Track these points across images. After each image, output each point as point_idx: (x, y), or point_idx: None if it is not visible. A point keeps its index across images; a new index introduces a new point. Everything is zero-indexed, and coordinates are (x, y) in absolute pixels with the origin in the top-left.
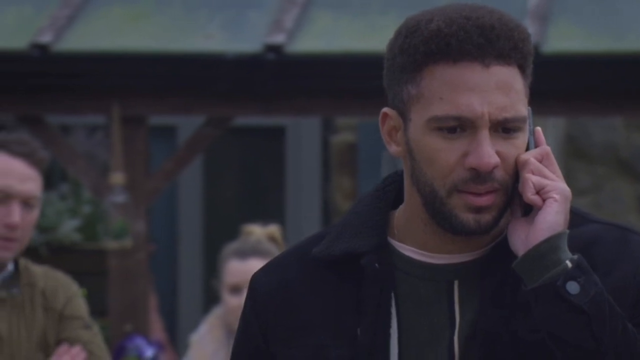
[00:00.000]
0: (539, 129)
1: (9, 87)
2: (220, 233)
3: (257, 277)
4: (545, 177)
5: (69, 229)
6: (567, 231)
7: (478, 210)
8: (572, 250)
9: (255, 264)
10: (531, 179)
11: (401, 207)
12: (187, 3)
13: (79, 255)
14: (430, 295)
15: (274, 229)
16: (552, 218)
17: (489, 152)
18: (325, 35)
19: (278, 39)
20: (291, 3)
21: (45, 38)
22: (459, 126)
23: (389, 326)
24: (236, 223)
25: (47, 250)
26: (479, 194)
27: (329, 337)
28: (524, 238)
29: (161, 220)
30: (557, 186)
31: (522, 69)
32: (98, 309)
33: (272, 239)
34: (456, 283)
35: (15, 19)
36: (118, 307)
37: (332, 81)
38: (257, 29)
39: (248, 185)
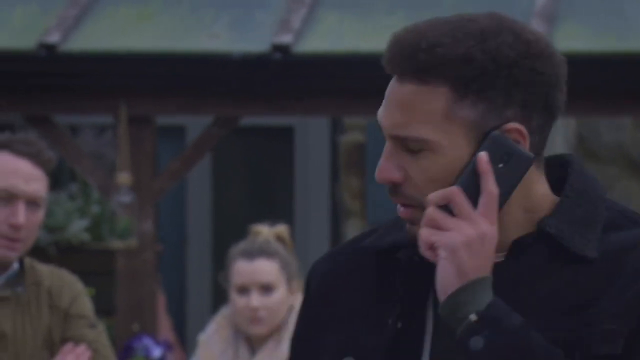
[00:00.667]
0: (482, 155)
1: (17, 86)
2: (228, 233)
3: (313, 266)
4: (437, 227)
5: (77, 228)
6: (472, 280)
7: (405, 221)
8: (605, 255)
9: (263, 264)
10: (422, 235)
11: None
12: (193, 3)
13: (88, 255)
14: None
15: (282, 229)
16: (442, 279)
17: (382, 165)
18: (332, 35)
19: (285, 39)
20: (298, 3)
21: (53, 38)
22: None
23: (424, 318)
24: (244, 223)
25: (56, 250)
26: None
27: (362, 326)
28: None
29: (169, 220)
30: (445, 240)
31: (456, 90)
32: (106, 309)
33: (280, 239)
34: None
35: (23, 19)
36: (125, 307)
37: (339, 81)
38: (264, 29)
39: (256, 185)
